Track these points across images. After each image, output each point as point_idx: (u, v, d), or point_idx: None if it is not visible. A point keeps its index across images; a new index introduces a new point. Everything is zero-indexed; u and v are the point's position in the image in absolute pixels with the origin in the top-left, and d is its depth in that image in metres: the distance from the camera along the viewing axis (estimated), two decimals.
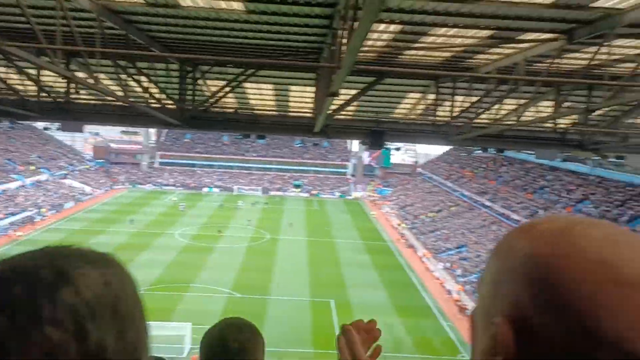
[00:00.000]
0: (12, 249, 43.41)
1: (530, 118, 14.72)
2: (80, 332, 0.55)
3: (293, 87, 17.53)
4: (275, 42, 12.26)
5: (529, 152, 36.20)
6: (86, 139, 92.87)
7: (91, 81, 11.59)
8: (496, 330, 0.65)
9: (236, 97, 19.32)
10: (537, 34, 9.98)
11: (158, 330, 27.44)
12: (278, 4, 9.31)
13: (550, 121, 15.76)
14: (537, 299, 0.62)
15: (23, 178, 61.86)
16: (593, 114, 15.42)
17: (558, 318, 0.61)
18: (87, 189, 70.66)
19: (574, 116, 16.76)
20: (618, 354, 0.58)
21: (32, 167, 66.73)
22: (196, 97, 16.12)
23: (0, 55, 13.07)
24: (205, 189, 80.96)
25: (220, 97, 15.75)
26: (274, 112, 18.99)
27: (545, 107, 15.36)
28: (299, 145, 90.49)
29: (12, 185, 59.05)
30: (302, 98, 18.62)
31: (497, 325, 0.65)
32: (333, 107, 13.89)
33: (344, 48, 6.92)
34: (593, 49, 9.61)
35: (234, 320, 1.88)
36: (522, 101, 12.83)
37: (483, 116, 15.12)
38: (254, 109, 17.57)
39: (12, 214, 52.21)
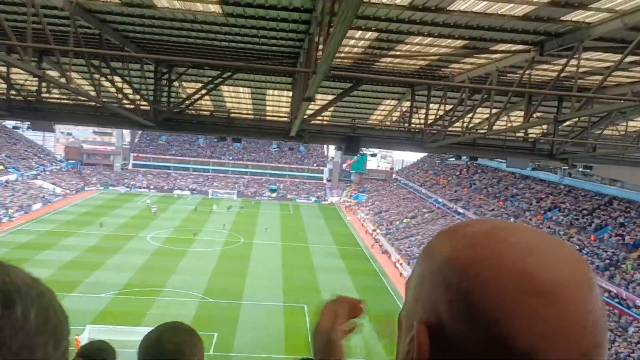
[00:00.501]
0: None
1: (502, 127, 15.03)
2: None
3: (270, 91, 17.51)
4: (253, 46, 12.25)
5: (501, 160, 36.92)
6: (58, 139, 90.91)
7: (63, 80, 11.37)
8: (413, 335, 0.65)
9: (212, 100, 19.21)
10: (509, 44, 10.21)
11: (128, 335, 26.90)
12: (255, 7, 9.31)
13: (522, 130, 16.11)
14: (453, 305, 0.62)
15: None
16: (563, 124, 15.83)
17: (472, 326, 0.60)
18: (58, 190, 69.06)
19: (544, 126, 17.17)
20: None
21: (1, 167, 64.94)
22: (171, 99, 15.97)
23: None
24: (178, 192, 79.99)
25: (196, 100, 15.63)
26: (251, 116, 18.93)
27: (517, 116, 15.69)
28: (276, 149, 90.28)
29: None
30: (278, 102, 18.62)
31: (414, 330, 0.65)
32: (309, 111, 13.91)
33: (320, 53, 6.96)
34: (563, 61, 9.88)
35: (172, 324, 1.95)
36: (495, 110, 13.09)
37: (457, 124, 15.36)
38: (230, 112, 17.47)
39: None
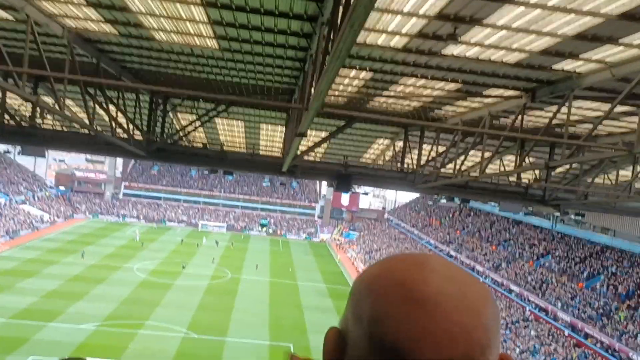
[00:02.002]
0: None
1: (495, 171, 15.08)
2: None
3: (264, 126, 17.59)
4: (248, 81, 12.35)
5: (494, 204, 36.96)
6: (50, 165, 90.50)
7: (57, 107, 11.33)
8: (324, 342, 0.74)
9: (206, 132, 19.25)
10: (502, 90, 10.33)
11: None
12: (252, 44, 9.41)
13: (514, 175, 16.17)
14: (352, 312, 0.71)
15: None
16: (555, 171, 15.91)
17: (360, 327, 0.68)
18: (46, 216, 68.25)
19: (536, 171, 17.26)
20: None
21: None
22: (165, 130, 15.97)
23: None
24: (170, 223, 79.28)
25: (190, 131, 15.66)
26: (243, 149, 18.94)
27: (510, 161, 15.78)
28: (267, 184, 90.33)
29: None
30: (272, 137, 18.69)
31: (326, 335, 0.74)
32: (302, 147, 13.94)
33: (313, 90, 6.98)
34: (555, 107, 9.98)
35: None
36: (487, 154, 13.15)
37: (449, 166, 15.41)
38: (223, 145, 17.47)
39: None
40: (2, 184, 68.94)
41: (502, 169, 15.65)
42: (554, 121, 9.94)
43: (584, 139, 9.44)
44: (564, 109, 9.36)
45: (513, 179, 17.18)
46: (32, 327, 32.07)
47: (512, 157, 14.89)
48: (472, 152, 14.28)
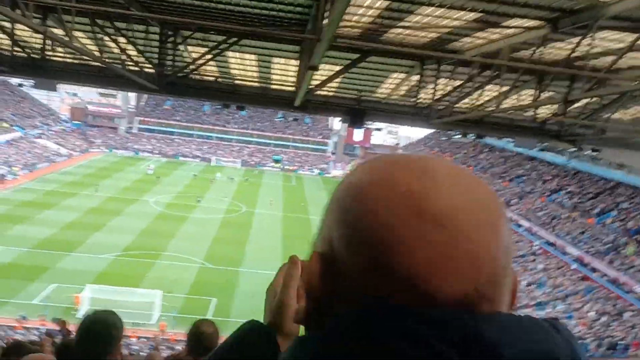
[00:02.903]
0: None
1: (511, 106, 14.79)
2: None
3: (276, 59, 17.23)
4: (261, 11, 11.97)
5: (509, 140, 36.59)
6: (63, 99, 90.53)
7: (67, 39, 11.16)
8: (306, 266, 0.61)
9: (217, 66, 18.94)
10: (522, 20, 9.93)
11: (127, 296, 27.39)
12: None
13: (531, 110, 15.87)
14: (343, 229, 0.57)
15: None
16: (572, 105, 15.55)
17: (357, 252, 0.55)
18: (62, 150, 69.19)
19: (554, 106, 16.91)
20: (412, 294, 0.52)
21: (5, 125, 64.91)
22: (176, 63, 15.73)
23: None
24: (183, 158, 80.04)
25: (201, 65, 15.39)
26: (256, 84, 18.69)
27: (527, 95, 15.43)
28: (280, 119, 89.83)
29: None
30: (284, 71, 18.35)
31: (309, 260, 0.61)
32: (315, 82, 13.72)
33: (326, 21, 6.76)
34: (577, 39, 9.61)
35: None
36: (504, 88, 12.85)
37: (465, 101, 15.13)
38: (235, 79, 17.26)
39: None
40: (18, 117, 69.49)
41: (518, 103, 15.34)
42: (575, 54, 9.60)
43: (605, 72, 9.15)
44: (586, 41, 9.01)
45: (529, 114, 16.88)
46: (53, 256, 33.40)
47: (529, 92, 14.55)
48: (488, 87, 13.96)
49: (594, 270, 32.58)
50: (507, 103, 14.76)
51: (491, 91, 15.44)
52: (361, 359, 0.50)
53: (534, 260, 37.39)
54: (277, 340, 0.88)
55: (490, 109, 14.34)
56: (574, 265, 33.98)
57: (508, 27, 10.40)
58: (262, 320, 0.94)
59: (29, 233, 36.84)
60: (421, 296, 0.52)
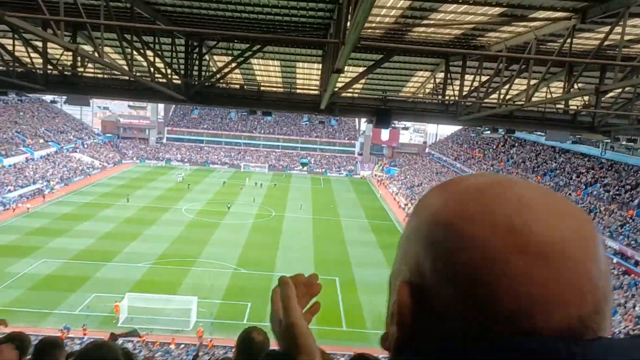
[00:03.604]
0: (20, 220, 43.96)
1: (541, 99, 14.48)
2: None
3: (300, 64, 17.35)
4: (283, 18, 12.06)
5: (540, 133, 35.84)
6: (95, 113, 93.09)
7: (96, 55, 11.47)
8: (396, 296, 0.60)
9: (242, 73, 19.19)
10: (549, 12, 9.72)
11: (165, 303, 27.87)
12: None
13: (561, 102, 15.51)
14: (436, 263, 0.56)
15: (32, 151, 62.21)
16: (605, 96, 15.13)
17: (454, 287, 0.54)
18: (96, 162, 71.03)
19: (585, 97, 16.48)
20: (515, 330, 0.51)
21: (41, 140, 67.04)
22: (202, 73, 15.99)
23: (6, 27, 12.98)
24: (213, 165, 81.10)
25: (226, 73, 15.61)
26: (280, 89, 18.83)
27: (557, 87, 15.08)
28: (306, 123, 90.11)
29: (21, 158, 59.47)
30: (308, 75, 18.45)
31: (397, 291, 0.60)
32: (339, 84, 13.72)
33: (349, 24, 6.77)
34: (607, 28, 9.35)
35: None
36: (533, 81, 12.59)
37: (493, 96, 14.89)
38: (260, 85, 17.41)
39: (22, 187, 52.70)
40: (53, 132, 71.66)
41: (548, 96, 15.01)
42: (606, 43, 9.34)
43: (639, 60, 8.86)
44: (617, 29, 8.76)
45: (560, 106, 16.49)
46: (92, 266, 34.28)
47: (559, 84, 14.22)
48: (516, 81, 13.71)
49: (637, 263, 31.57)
50: (537, 96, 14.45)
51: (520, 85, 15.16)
52: None
53: None
54: None
55: (520, 102, 14.07)
56: (615, 259, 33.00)
57: (535, 19, 10.20)
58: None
59: (68, 245, 37.95)
60: (524, 330, 0.51)
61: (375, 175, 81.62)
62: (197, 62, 15.59)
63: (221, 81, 16.16)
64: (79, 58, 15.17)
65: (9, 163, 56.19)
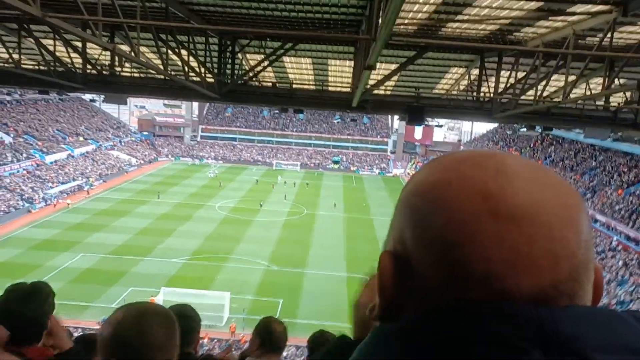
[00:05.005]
0: (62, 216, 45.44)
1: (580, 95, 14.06)
2: None
3: (332, 61, 17.33)
4: (314, 15, 12.08)
5: (579, 131, 34.84)
6: (132, 112, 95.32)
7: (133, 54, 11.74)
8: (378, 267, 0.61)
9: (274, 71, 19.30)
10: (589, 5, 9.41)
11: (199, 298, 28.32)
12: None
13: (601, 99, 15.01)
14: (415, 230, 0.57)
15: (72, 149, 64.19)
16: None
17: (431, 251, 0.55)
18: (133, 160, 72.78)
19: (627, 93, 15.90)
20: (488, 293, 0.52)
21: (81, 138, 69.12)
22: (235, 71, 16.17)
23: (47, 28, 13.43)
24: (244, 163, 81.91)
25: (259, 71, 15.75)
26: (312, 87, 18.87)
27: (596, 83, 14.61)
28: (338, 120, 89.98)
29: (62, 155, 61.42)
30: (340, 72, 18.42)
31: (380, 260, 0.61)
32: (372, 81, 13.65)
33: (380, 20, 6.71)
34: None
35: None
36: (571, 77, 12.22)
37: (529, 93, 14.52)
38: (292, 83, 17.48)
39: (62, 183, 54.46)
40: (92, 131, 73.79)
41: (587, 92, 14.55)
42: None
43: None
44: None
45: (600, 103, 15.96)
46: (129, 261, 35.16)
47: (599, 80, 13.75)
48: (554, 77, 13.33)
49: None
50: (576, 93, 14.03)
51: (557, 81, 14.74)
52: (441, 357, 0.50)
53: (614, 256, 35.27)
54: None
55: (558, 99, 13.69)
56: None
57: (573, 13, 9.90)
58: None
59: (106, 240, 39.03)
60: (496, 294, 0.52)
61: (409, 173, 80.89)
62: (230, 61, 15.77)
63: (253, 79, 16.30)
64: (116, 58, 15.57)
65: (50, 160, 58.11)
